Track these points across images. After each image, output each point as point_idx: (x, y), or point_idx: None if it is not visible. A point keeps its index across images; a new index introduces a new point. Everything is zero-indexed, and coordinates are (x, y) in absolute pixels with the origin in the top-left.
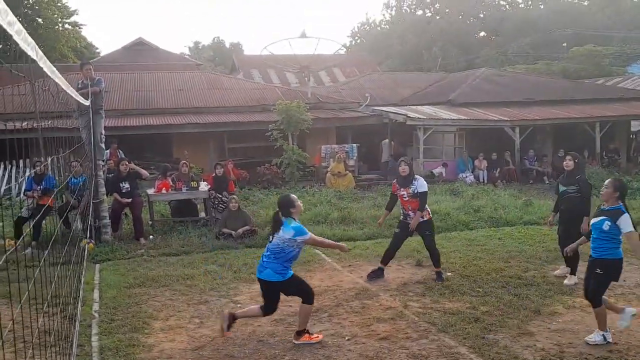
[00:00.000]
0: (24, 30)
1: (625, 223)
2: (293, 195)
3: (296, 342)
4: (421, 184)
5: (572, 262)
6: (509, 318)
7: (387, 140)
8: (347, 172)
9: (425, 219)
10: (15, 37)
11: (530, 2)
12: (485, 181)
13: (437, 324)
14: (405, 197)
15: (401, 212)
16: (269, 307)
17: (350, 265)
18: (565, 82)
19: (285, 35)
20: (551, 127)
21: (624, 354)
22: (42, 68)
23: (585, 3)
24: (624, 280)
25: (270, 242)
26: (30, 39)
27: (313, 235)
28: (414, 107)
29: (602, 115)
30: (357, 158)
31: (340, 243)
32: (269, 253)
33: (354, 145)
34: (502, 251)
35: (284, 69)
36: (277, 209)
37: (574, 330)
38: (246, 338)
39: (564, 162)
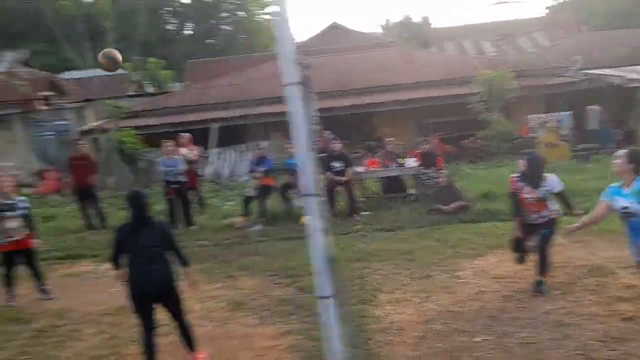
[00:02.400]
0: None
1: None
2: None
3: None
4: (554, 182)
5: None
6: None
7: (595, 106)
8: (560, 141)
9: (552, 217)
10: None
11: None
12: None
13: None
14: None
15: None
16: None
17: (579, 241)
18: None
19: (478, 3)
20: None
21: None
22: None
23: None
24: None
25: None
26: None
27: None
28: (632, 67)
29: None
30: (570, 127)
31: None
32: None
33: (566, 113)
34: None
35: (479, 39)
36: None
37: None
38: (475, 313)
39: None
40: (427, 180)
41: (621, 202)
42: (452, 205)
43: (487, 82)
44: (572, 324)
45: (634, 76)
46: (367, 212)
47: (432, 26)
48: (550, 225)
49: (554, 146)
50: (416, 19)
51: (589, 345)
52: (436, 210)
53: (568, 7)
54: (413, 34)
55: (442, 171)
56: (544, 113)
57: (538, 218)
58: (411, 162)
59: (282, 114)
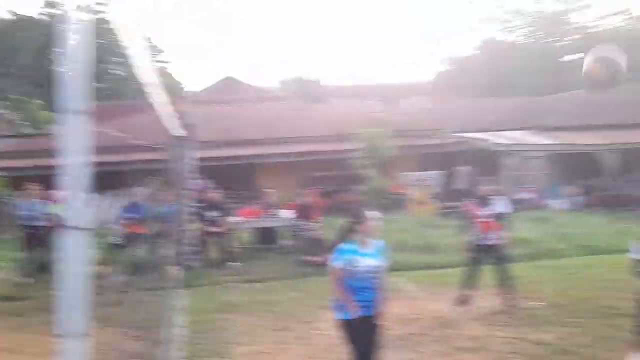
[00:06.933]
0: None
1: None
2: (372, 211)
3: None
4: (502, 204)
5: None
6: (602, 350)
7: (464, 167)
8: (430, 199)
9: (500, 241)
10: None
11: (631, 20)
12: (577, 207)
13: (524, 355)
14: (484, 218)
15: (474, 233)
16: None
17: (432, 293)
18: None
19: (370, 64)
20: None
21: None
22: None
23: None
24: None
25: None
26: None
27: (337, 269)
28: (500, 132)
29: None
30: (440, 185)
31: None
32: None
33: (437, 172)
34: (596, 280)
35: (367, 99)
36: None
37: None
38: None
39: None
40: (301, 232)
41: (366, 262)
42: (323, 257)
43: (369, 140)
44: None
45: (500, 141)
46: (238, 263)
47: (323, 84)
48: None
49: (423, 203)
50: (310, 77)
51: None
52: (308, 262)
53: (452, 75)
54: (306, 91)
55: (317, 223)
56: (418, 171)
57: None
58: (287, 214)
59: (162, 161)
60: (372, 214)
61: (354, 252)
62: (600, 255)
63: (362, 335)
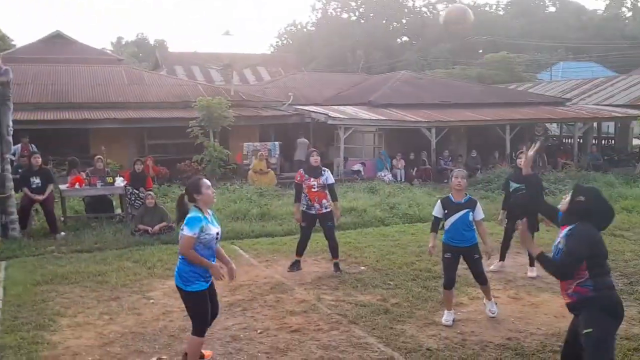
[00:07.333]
0: None
1: (480, 210)
2: (206, 180)
3: None
4: (330, 176)
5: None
6: (417, 309)
7: (303, 139)
8: (269, 169)
9: (329, 209)
10: None
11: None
12: (402, 180)
13: (348, 316)
14: (314, 188)
15: (304, 203)
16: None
17: (267, 260)
18: (480, 86)
19: (211, 33)
20: (465, 129)
21: (521, 340)
22: None
23: (501, 12)
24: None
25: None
26: None
27: (191, 236)
28: (335, 107)
29: (512, 118)
30: (279, 156)
31: (214, 265)
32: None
33: (276, 143)
34: (415, 246)
35: (208, 66)
36: (185, 192)
37: (476, 319)
38: (157, 333)
39: (518, 160)
40: (135, 201)
41: (214, 230)
42: (157, 227)
43: (206, 108)
44: (246, 338)
45: (335, 115)
46: (64, 233)
47: (168, 49)
48: None
49: (263, 173)
50: (153, 40)
51: (256, 358)
52: (141, 231)
53: (292, 49)
54: (146, 55)
55: (150, 192)
56: (259, 142)
57: None
58: (120, 182)
59: None
60: (206, 183)
61: (205, 219)
62: (420, 224)
63: (208, 302)
